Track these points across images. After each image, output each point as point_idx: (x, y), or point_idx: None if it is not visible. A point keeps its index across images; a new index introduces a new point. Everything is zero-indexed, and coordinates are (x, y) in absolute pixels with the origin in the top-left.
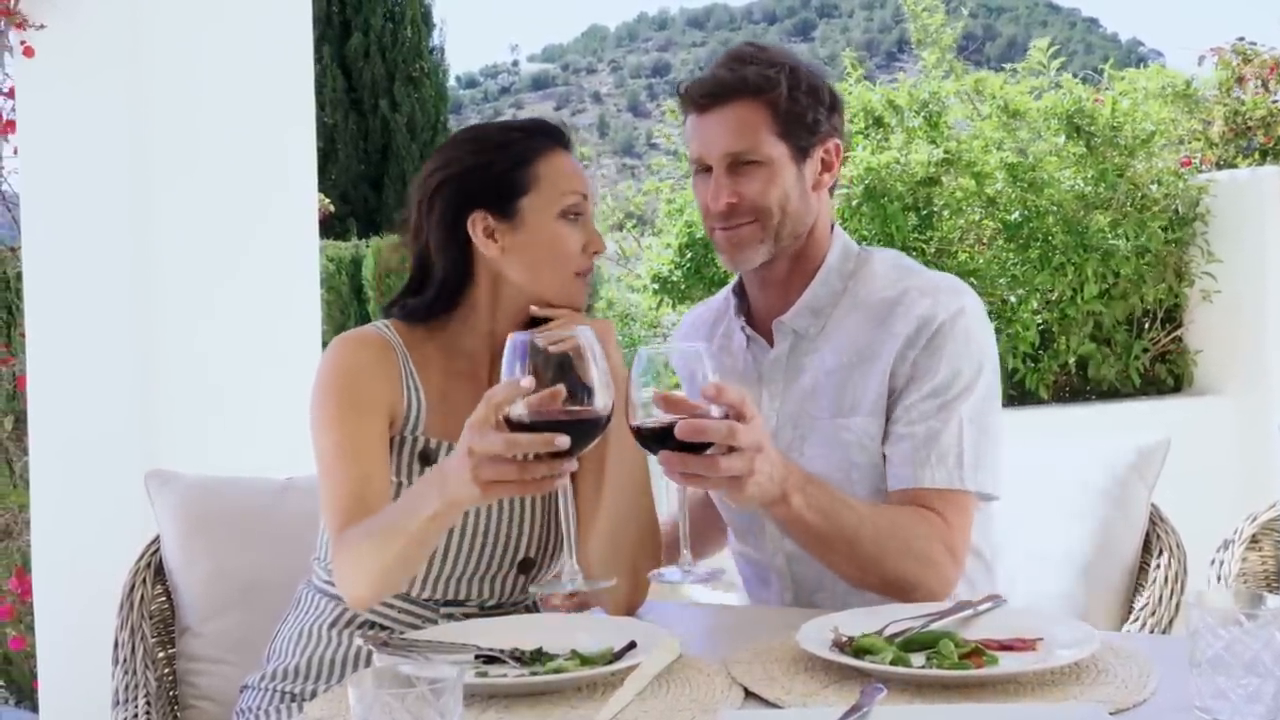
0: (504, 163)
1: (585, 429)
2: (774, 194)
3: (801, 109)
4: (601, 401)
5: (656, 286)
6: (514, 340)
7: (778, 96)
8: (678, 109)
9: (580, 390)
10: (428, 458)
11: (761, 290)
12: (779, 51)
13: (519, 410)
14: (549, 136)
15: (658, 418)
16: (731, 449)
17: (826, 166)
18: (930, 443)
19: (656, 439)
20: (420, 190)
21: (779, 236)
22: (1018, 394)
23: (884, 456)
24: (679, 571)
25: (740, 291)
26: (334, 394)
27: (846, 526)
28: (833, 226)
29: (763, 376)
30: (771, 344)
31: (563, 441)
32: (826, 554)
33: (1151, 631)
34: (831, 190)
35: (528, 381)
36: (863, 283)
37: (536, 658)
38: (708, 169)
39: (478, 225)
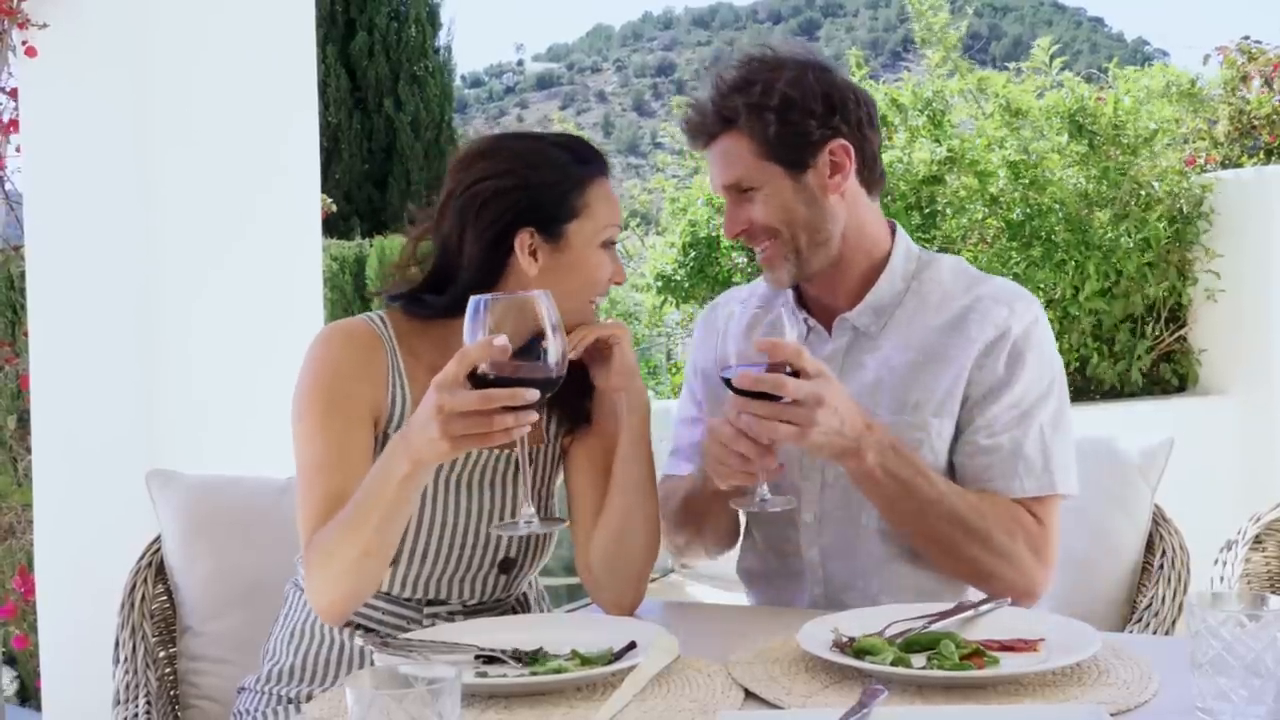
0: (562, 186)
1: (545, 385)
2: (776, 214)
3: (773, 126)
4: (554, 359)
5: (660, 285)
6: (475, 301)
7: (745, 122)
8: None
9: (538, 349)
10: None
11: (813, 286)
12: (763, 65)
13: (482, 368)
14: (600, 163)
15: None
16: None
17: (836, 168)
18: (1016, 454)
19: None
20: (466, 194)
21: (799, 250)
22: None
23: (951, 460)
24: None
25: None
26: (316, 399)
27: (921, 497)
28: (895, 229)
29: None
30: (828, 337)
31: (531, 395)
32: (898, 521)
33: (1154, 632)
34: (873, 188)
35: (502, 340)
36: (929, 285)
37: (536, 658)
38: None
39: (525, 242)
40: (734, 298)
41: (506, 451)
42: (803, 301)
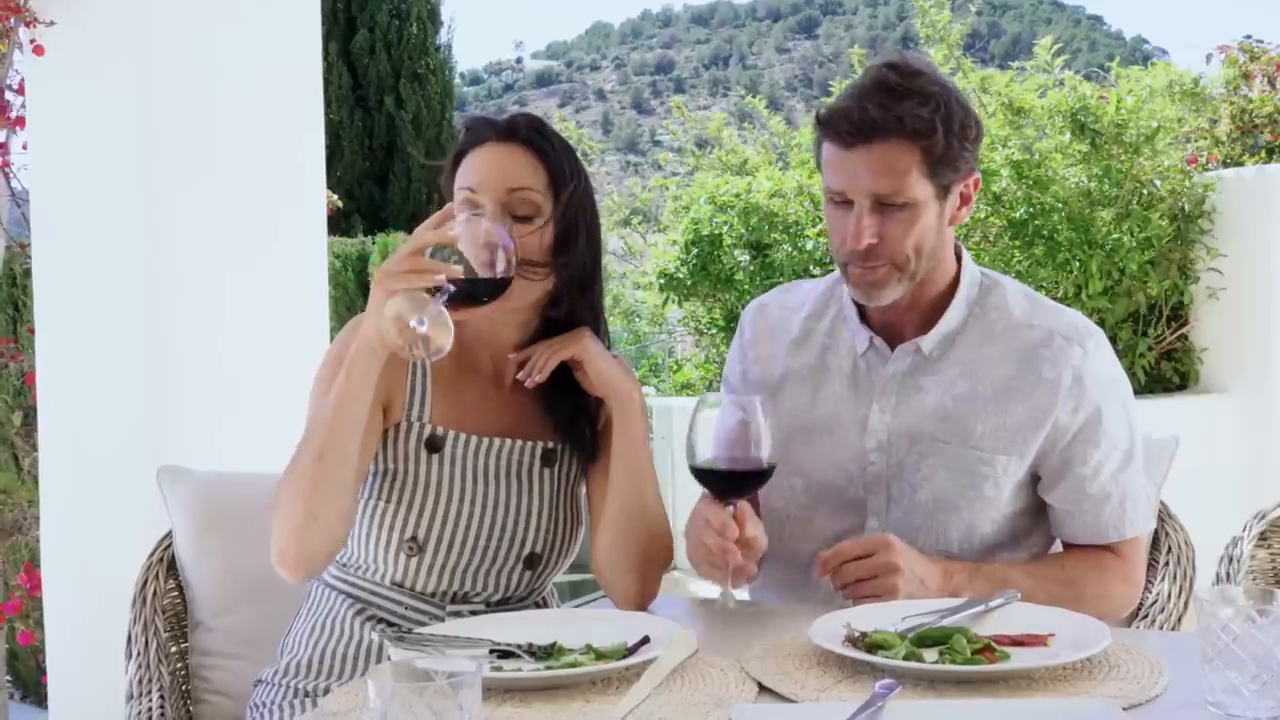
0: (451, 158)
1: (490, 284)
2: (913, 237)
3: (955, 152)
4: (501, 268)
5: (662, 283)
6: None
7: (934, 143)
8: (815, 133)
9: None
10: (434, 445)
11: (884, 309)
12: (929, 79)
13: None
14: (470, 134)
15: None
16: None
17: (964, 200)
18: (1125, 500)
19: (711, 478)
20: None
21: (914, 276)
22: None
23: (1032, 497)
24: None
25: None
26: (326, 373)
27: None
28: (961, 253)
29: (874, 387)
30: (889, 356)
31: (452, 236)
32: None
33: (1160, 628)
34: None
35: (454, 234)
36: (994, 312)
37: (551, 652)
38: (846, 203)
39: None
40: (782, 304)
41: (533, 443)
42: (863, 316)
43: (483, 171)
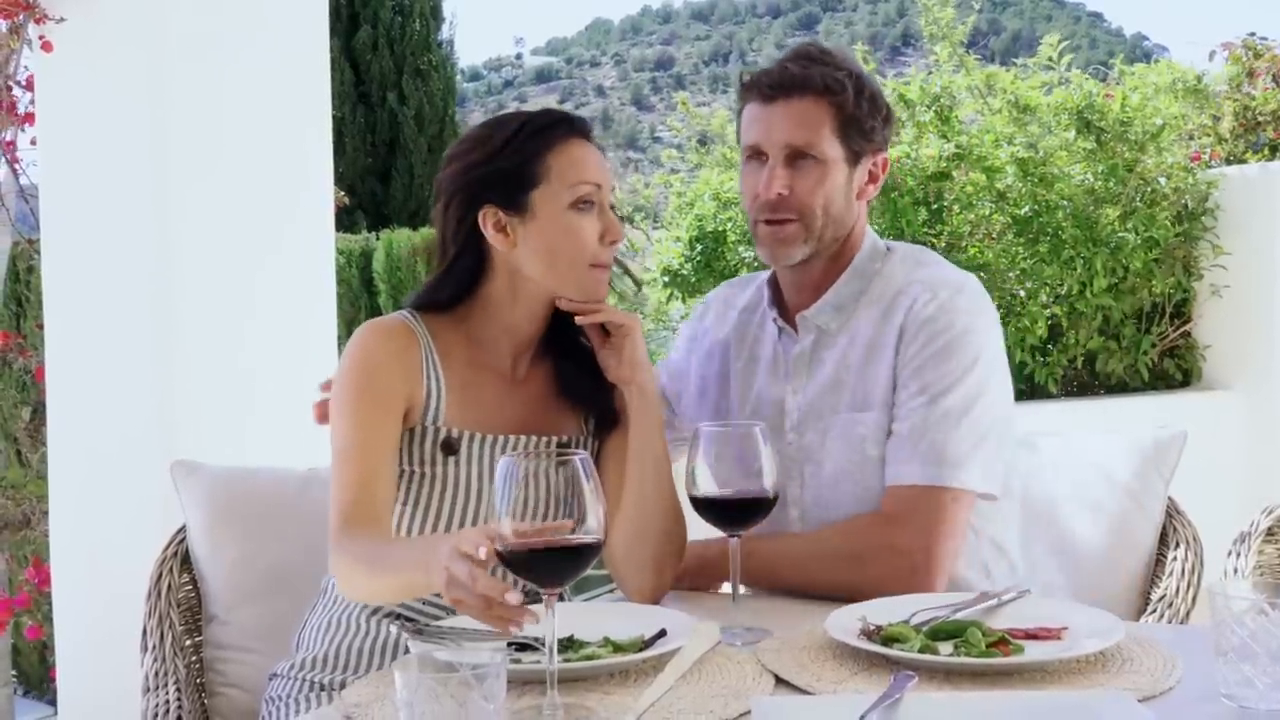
0: (516, 156)
1: (564, 562)
2: (821, 194)
3: (862, 115)
4: (592, 525)
5: (666, 279)
6: (503, 463)
7: (844, 99)
8: (735, 99)
9: (572, 512)
10: (450, 447)
11: (796, 288)
12: (843, 56)
13: (502, 543)
14: (563, 126)
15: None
16: None
17: (872, 178)
18: (913, 439)
19: (713, 510)
20: (438, 183)
21: (821, 238)
22: (1027, 388)
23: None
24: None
25: (774, 284)
26: (351, 388)
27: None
28: (866, 234)
29: (788, 368)
30: (796, 337)
31: (514, 598)
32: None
33: (1169, 623)
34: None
35: (484, 553)
36: (880, 278)
37: (569, 645)
38: (761, 157)
39: (488, 219)
40: (725, 299)
41: (547, 438)
42: (779, 302)
43: (596, 164)
